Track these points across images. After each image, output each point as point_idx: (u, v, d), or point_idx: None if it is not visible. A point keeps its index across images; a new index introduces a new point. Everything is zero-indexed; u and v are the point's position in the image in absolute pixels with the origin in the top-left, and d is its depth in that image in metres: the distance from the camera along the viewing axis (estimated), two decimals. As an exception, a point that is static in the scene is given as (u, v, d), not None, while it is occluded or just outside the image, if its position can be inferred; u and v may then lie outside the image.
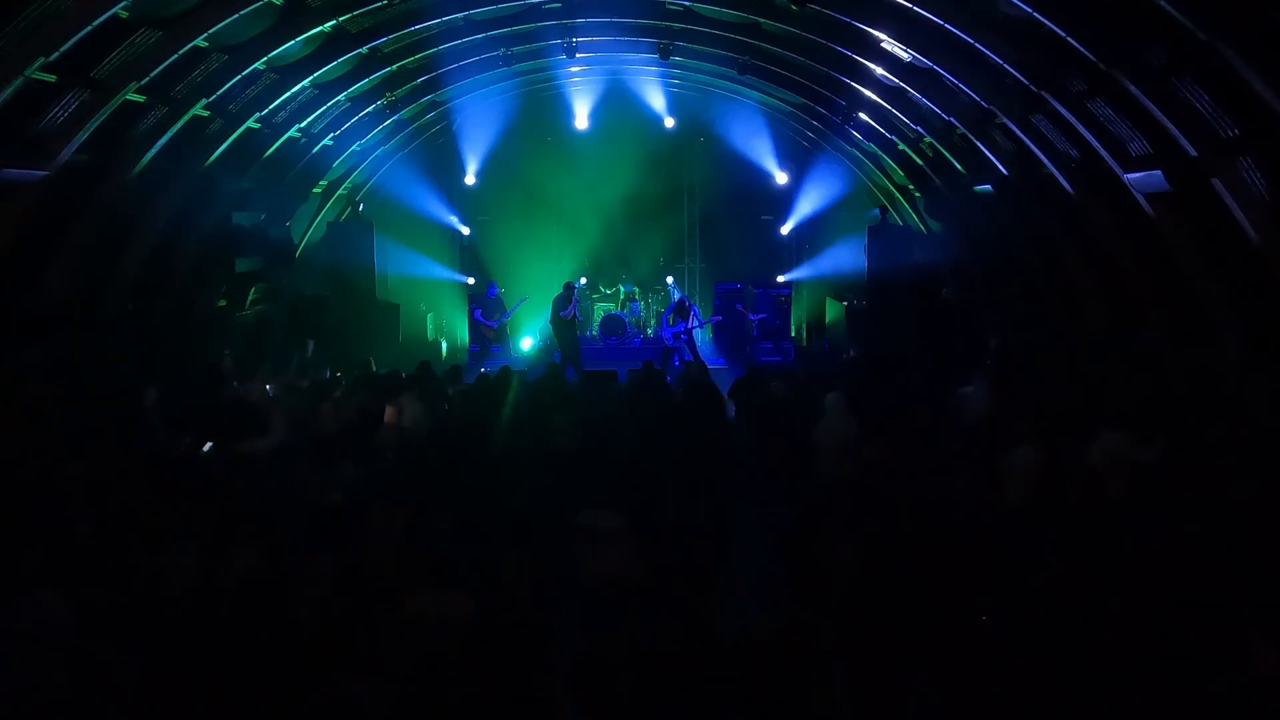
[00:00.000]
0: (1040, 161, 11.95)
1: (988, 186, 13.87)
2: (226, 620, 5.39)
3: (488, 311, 19.60)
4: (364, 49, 13.08)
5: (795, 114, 18.93)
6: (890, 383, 11.99)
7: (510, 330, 20.40)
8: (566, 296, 17.73)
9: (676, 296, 20.28)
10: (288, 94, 12.99)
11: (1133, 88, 8.91)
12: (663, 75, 19.03)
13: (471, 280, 21.55)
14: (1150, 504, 7.22)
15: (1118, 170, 10.21)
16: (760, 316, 20.24)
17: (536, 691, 5.43)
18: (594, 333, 20.83)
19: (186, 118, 11.41)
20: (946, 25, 10.22)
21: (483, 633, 5.35)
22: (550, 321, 18.30)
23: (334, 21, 11.64)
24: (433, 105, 17.99)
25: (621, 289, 21.66)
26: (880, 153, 17.52)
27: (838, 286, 20.43)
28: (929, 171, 16.05)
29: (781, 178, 21.42)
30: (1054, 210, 12.62)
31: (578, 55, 15.80)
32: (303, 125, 14.27)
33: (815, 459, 9.33)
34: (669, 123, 20.79)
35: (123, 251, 11.91)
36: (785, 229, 22.06)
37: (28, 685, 4.81)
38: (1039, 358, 13.03)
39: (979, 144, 13.26)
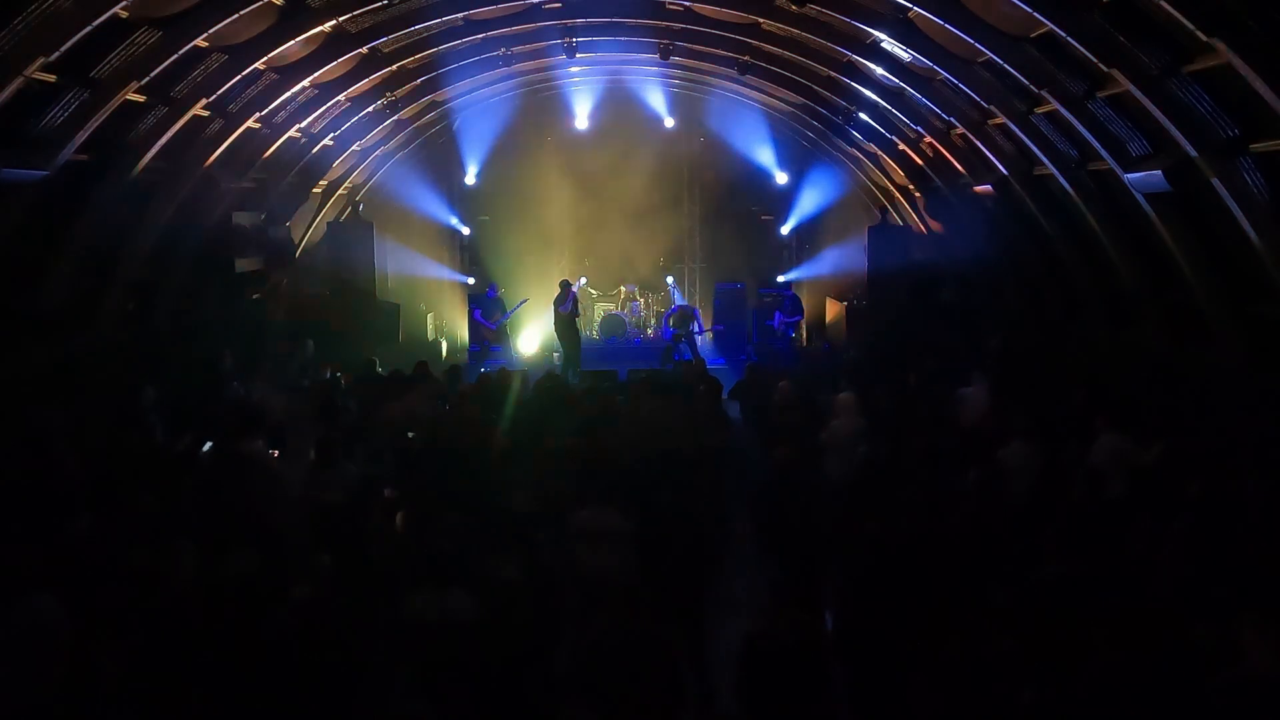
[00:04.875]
0: (1040, 161, 11.95)
1: (988, 186, 13.87)
2: (225, 620, 5.38)
3: (488, 312, 19.59)
4: (364, 49, 13.07)
5: (795, 114, 18.92)
6: (891, 383, 11.98)
7: (510, 331, 20.40)
8: (563, 294, 17.72)
9: (677, 297, 20.29)
10: (288, 94, 12.99)
11: (1133, 88, 8.91)
12: (663, 75, 19.01)
13: (471, 280, 21.54)
14: (1150, 504, 7.22)
15: (1118, 170, 10.21)
16: (796, 319, 20.16)
17: (536, 691, 5.44)
18: (594, 333, 20.82)
19: (186, 118, 11.41)
20: (947, 25, 10.22)
21: (483, 633, 5.36)
22: (554, 323, 18.28)
23: (334, 21, 11.63)
24: (433, 105, 17.98)
25: (622, 289, 21.66)
26: (880, 153, 17.51)
27: (838, 286, 20.42)
28: (929, 171, 16.05)
29: (781, 178, 21.40)
30: (1054, 210, 12.62)
31: (578, 55, 15.79)
32: (303, 125, 14.26)
33: (818, 459, 9.33)
34: (669, 123, 20.79)
35: (123, 251, 11.90)
36: (785, 229, 22.05)
37: (23, 686, 4.80)
38: (1039, 358, 13.03)
39: (979, 144, 13.26)
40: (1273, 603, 4.69)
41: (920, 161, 16.09)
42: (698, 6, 13.70)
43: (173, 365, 11.77)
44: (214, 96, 11.54)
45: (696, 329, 18.75)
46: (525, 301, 19.93)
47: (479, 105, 19.56)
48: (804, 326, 21.23)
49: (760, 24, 13.70)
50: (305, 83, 13.00)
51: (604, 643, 5.30)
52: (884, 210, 20.09)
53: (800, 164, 21.14)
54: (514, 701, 5.30)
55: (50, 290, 10.64)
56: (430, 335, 20.59)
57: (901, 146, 16.13)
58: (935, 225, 17.46)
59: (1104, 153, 10.31)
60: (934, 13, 10.21)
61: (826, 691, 5.31)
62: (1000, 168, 13.22)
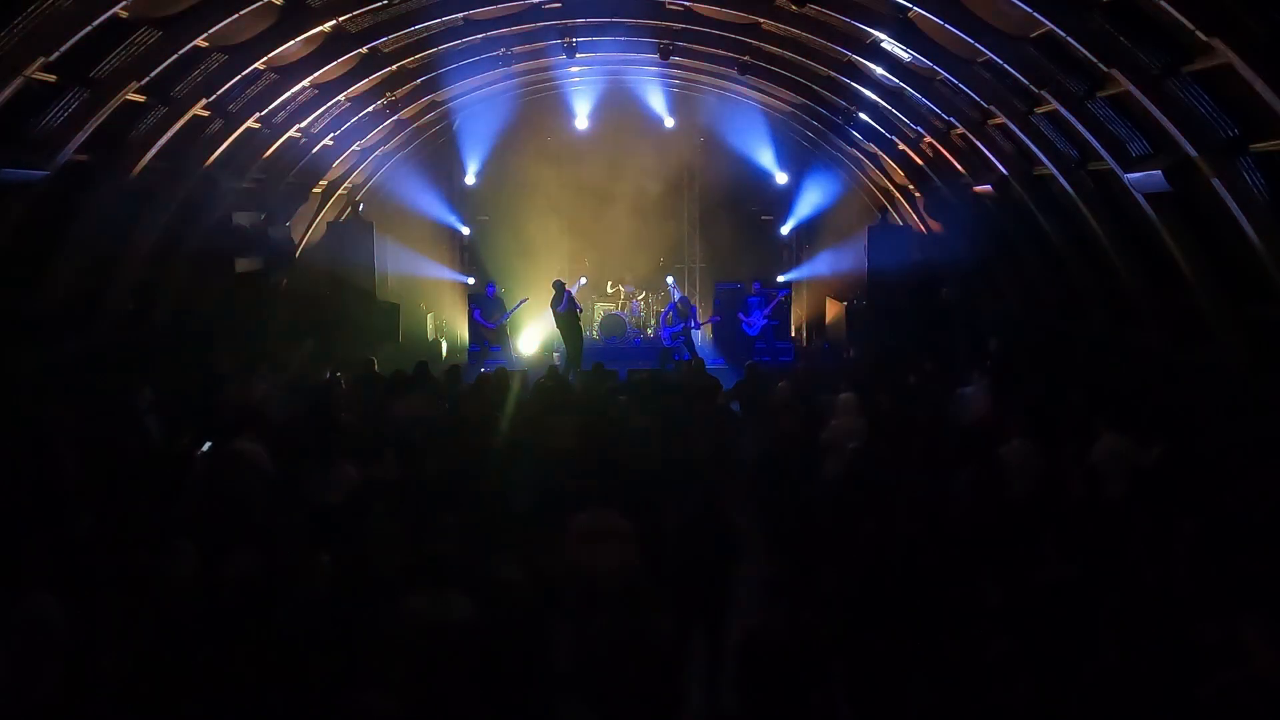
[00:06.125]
0: (1040, 161, 11.95)
1: (988, 186, 13.87)
2: (225, 620, 5.38)
3: (487, 312, 19.58)
4: (364, 49, 13.08)
5: (795, 114, 18.93)
6: (891, 383, 11.98)
7: (510, 331, 20.40)
8: (557, 295, 17.69)
9: (677, 297, 20.27)
10: (288, 94, 12.99)
11: (1133, 88, 8.91)
12: (663, 75, 19.01)
13: (471, 280, 21.55)
14: (1149, 505, 7.22)
15: (1118, 170, 10.22)
16: (763, 324, 20.01)
17: (536, 692, 5.44)
18: (594, 333, 20.82)
19: (186, 118, 11.41)
20: (946, 25, 10.22)
21: (482, 633, 5.35)
22: (558, 326, 18.24)
23: (334, 21, 11.63)
24: (433, 105, 17.98)
25: (621, 289, 21.66)
26: (880, 153, 17.52)
27: (838, 286, 20.41)
28: (929, 171, 16.05)
29: (781, 178, 21.40)
30: (1054, 210, 12.62)
31: (578, 55, 15.79)
32: (303, 125, 14.26)
33: (819, 458, 9.32)
34: (669, 123, 20.79)
35: (123, 251, 11.91)
36: (785, 229, 22.05)
37: (23, 685, 4.80)
38: (1039, 358, 13.03)
39: (979, 144, 13.26)
40: (1274, 604, 4.69)
41: (920, 161, 16.08)
42: (698, 6, 13.70)
43: (172, 365, 11.77)
44: (214, 96, 11.55)
45: (693, 323, 18.72)
46: (525, 301, 19.91)
47: (479, 105, 19.55)
48: (786, 305, 20.96)
49: (760, 24, 13.70)
50: (305, 83, 13.01)
51: (604, 643, 5.30)
52: (884, 210, 20.09)
53: (800, 164, 21.15)
54: (513, 701, 5.30)
55: (50, 290, 10.64)
56: (430, 335, 20.60)
57: (901, 146, 16.13)
58: (935, 225, 17.46)
59: (1104, 153, 10.31)
60: (934, 13, 10.21)
61: (824, 690, 5.31)
62: (1000, 168, 13.22)
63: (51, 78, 8.86)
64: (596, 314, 21.19)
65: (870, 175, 19.67)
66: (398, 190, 20.65)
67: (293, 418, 10.16)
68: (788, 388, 11.48)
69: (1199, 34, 7.47)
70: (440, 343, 20.44)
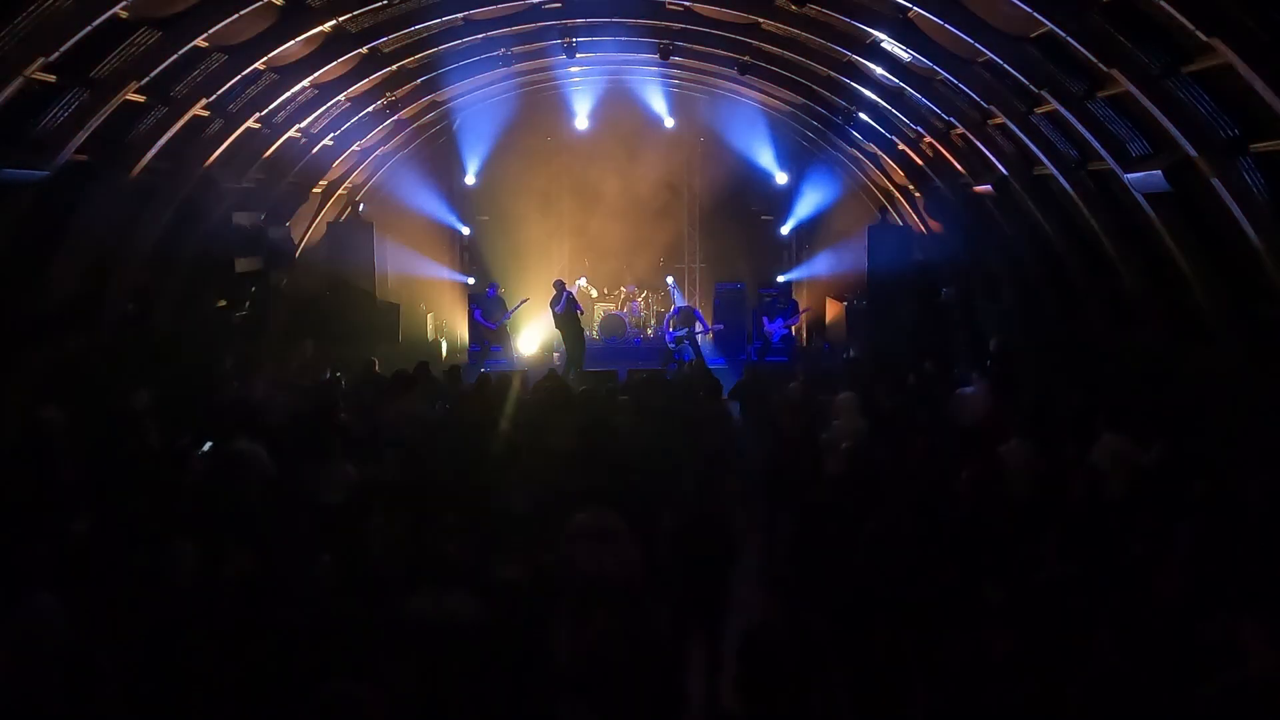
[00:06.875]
0: (1040, 161, 11.95)
1: (988, 186, 13.88)
2: (225, 621, 5.38)
3: (488, 312, 19.57)
4: (364, 49, 13.08)
5: (795, 114, 18.93)
6: (890, 383, 11.98)
7: (511, 331, 20.41)
8: (556, 295, 17.68)
9: (677, 298, 20.28)
10: (288, 94, 12.99)
11: (1133, 88, 8.91)
12: (663, 75, 19.02)
13: (471, 280, 21.55)
14: (1150, 505, 7.22)
15: (1118, 170, 10.22)
16: (794, 320, 20.04)
17: (536, 691, 5.43)
18: (594, 333, 20.83)
19: (186, 118, 11.41)
20: (946, 25, 10.22)
21: (483, 633, 5.35)
22: (557, 327, 18.24)
23: (334, 21, 11.63)
24: (433, 105, 17.99)
25: (622, 289, 21.67)
26: (880, 153, 17.52)
27: (838, 286, 20.42)
28: (929, 171, 16.06)
29: (781, 178, 21.41)
30: (1054, 210, 12.63)
31: (578, 55, 15.80)
32: (303, 125, 14.26)
33: (820, 459, 9.32)
34: (669, 123, 20.80)
35: (123, 251, 11.91)
36: (785, 229, 22.06)
37: (24, 685, 4.80)
38: (1039, 358, 13.03)
39: (979, 144, 13.26)
40: (1274, 604, 4.69)
41: (920, 161, 16.09)
42: (698, 6, 13.70)
43: (172, 365, 11.77)
44: (214, 96, 11.55)
45: (700, 329, 18.73)
46: (525, 301, 19.91)
47: (479, 105, 19.56)
48: (804, 323, 21.15)
49: (760, 24, 13.70)
50: (305, 83, 13.01)
51: (604, 643, 5.29)
52: (884, 210, 20.10)
53: (800, 164, 21.16)
54: (514, 701, 5.30)
55: (50, 291, 10.64)
56: (430, 335, 20.59)
57: (901, 146, 16.13)
58: (935, 225, 17.47)
59: (1104, 153, 10.32)
60: (934, 13, 10.21)
61: (824, 690, 5.31)
62: (1000, 168, 13.22)
63: (51, 78, 8.86)
64: (596, 314, 21.21)
65: (870, 175, 19.67)
66: (398, 190, 20.66)
67: (293, 418, 10.15)
68: (799, 388, 11.46)
69: (1199, 34, 7.47)
70: (440, 343, 20.43)
